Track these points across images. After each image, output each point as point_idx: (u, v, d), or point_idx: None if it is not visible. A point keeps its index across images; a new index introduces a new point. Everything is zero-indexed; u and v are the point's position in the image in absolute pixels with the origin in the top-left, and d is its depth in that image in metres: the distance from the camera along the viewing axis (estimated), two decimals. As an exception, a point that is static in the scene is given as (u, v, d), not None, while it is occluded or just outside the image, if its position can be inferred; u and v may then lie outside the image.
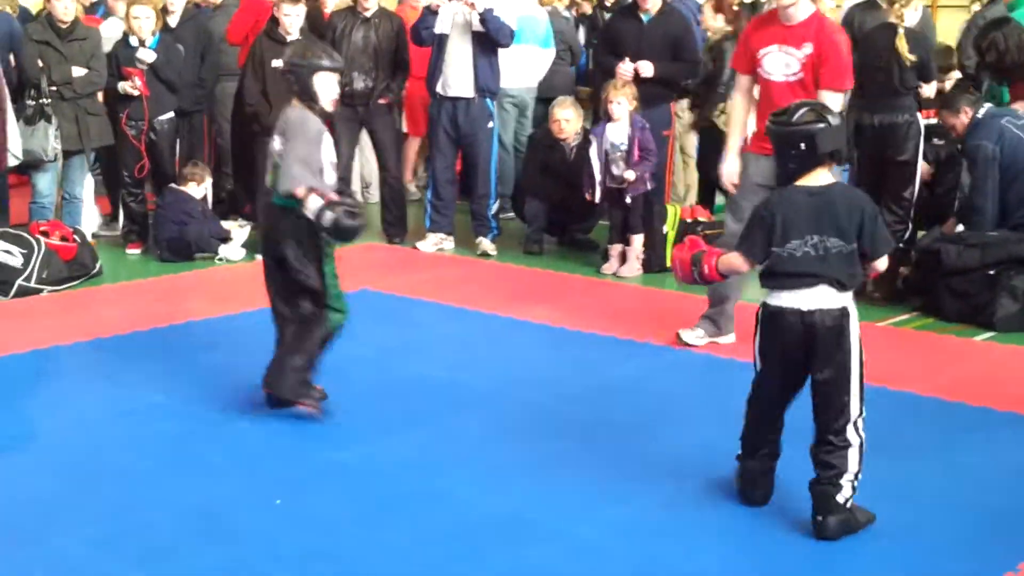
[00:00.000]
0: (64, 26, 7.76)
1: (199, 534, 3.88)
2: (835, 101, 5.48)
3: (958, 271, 6.53)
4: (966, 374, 5.68)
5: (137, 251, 8.15)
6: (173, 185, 8.10)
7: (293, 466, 4.46)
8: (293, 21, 7.97)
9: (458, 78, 8.11)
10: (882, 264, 3.94)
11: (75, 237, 7.41)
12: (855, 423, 3.82)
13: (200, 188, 8.15)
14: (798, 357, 3.86)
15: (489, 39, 8.03)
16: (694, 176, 9.12)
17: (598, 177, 7.62)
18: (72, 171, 7.98)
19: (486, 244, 8.30)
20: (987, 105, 6.95)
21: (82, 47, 7.82)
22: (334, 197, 4.75)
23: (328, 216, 4.67)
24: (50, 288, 7.09)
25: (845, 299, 3.83)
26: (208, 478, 4.34)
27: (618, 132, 7.58)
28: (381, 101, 8.44)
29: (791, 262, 3.81)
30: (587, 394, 5.32)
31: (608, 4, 16.77)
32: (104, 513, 4.03)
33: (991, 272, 6.48)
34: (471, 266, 8.00)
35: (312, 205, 4.68)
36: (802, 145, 3.83)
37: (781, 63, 5.59)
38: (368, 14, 8.37)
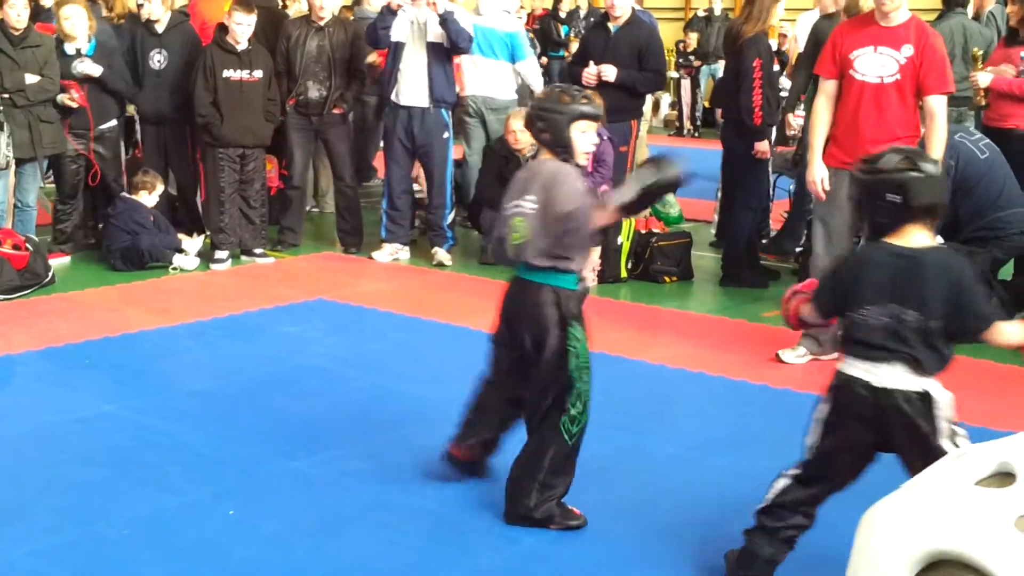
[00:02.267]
0: (17, 33, 7.69)
1: (150, 546, 3.85)
2: (941, 105, 5.61)
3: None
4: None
5: (62, 260, 8.05)
6: (125, 194, 8.05)
7: (246, 476, 4.44)
8: (244, 30, 7.96)
9: (413, 87, 8.11)
10: (1000, 337, 3.35)
11: (27, 246, 7.34)
12: None
13: (151, 197, 8.10)
14: (867, 437, 3.38)
15: (445, 49, 8.05)
16: None
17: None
18: (24, 179, 7.89)
19: (441, 254, 8.30)
20: None
21: (35, 54, 7.75)
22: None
23: (633, 189, 3.88)
24: (2, 297, 7.02)
25: (926, 382, 3.30)
26: (159, 489, 4.31)
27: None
28: (335, 111, 8.43)
29: (864, 330, 3.35)
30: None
31: (562, 15, 16.84)
32: (53, 524, 3.99)
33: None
34: (427, 276, 8.00)
35: (619, 198, 3.92)
36: (892, 197, 3.32)
37: (877, 64, 5.63)
38: (322, 23, 8.37)
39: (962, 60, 8.43)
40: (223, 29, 8.08)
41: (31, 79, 7.69)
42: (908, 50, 5.58)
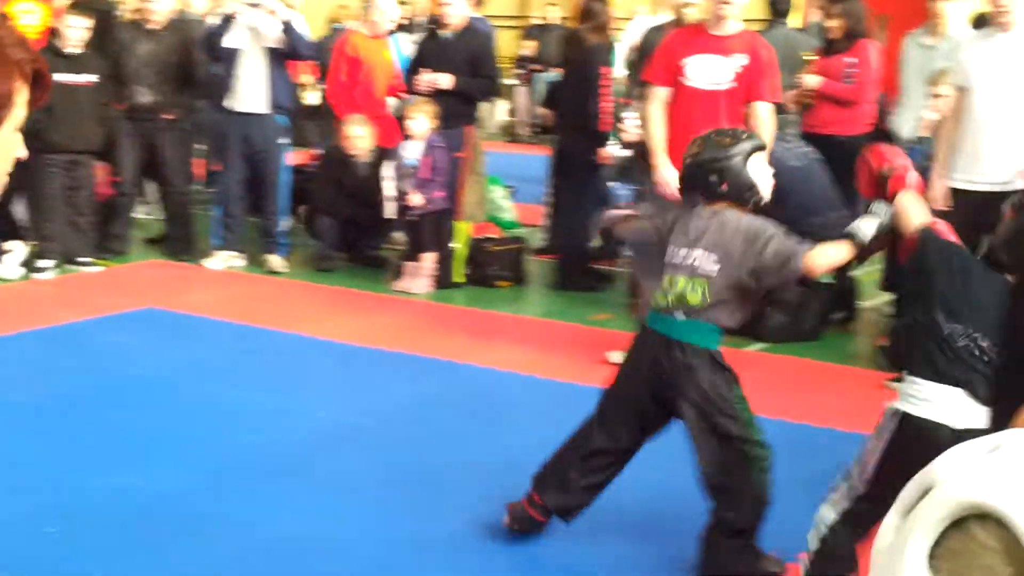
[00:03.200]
0: None
1: (-34, 565, 3.74)
2: (770, 113, 5.71)
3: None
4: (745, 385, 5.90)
5: None
6: None
7: (69, 492, 4.31)
8: (76, 33, 7.75)
9: (250, 93, 8.02)
10: None
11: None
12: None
13: None
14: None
15: (282, 54, 7.99)
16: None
17: (392, 194, 7.67)
18: None
19: (276, 261, 8.22)
20: None
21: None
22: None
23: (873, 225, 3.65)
24: None
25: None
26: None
27: (413, 150, 7.63)
28: (166, 116, 8.27)
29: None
30: (379, 411, 5.33)
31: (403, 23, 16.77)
32: None
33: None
34: (262, 284, 7.92)
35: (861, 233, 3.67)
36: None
37: (709, 72, 5.67)
38: (154, 27, 8.20)
39: (786, 70, 8.71)
40: (54, 32, 7.85)
41: None
42: (741, 59, 5.68)
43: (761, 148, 3.86)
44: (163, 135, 8.31)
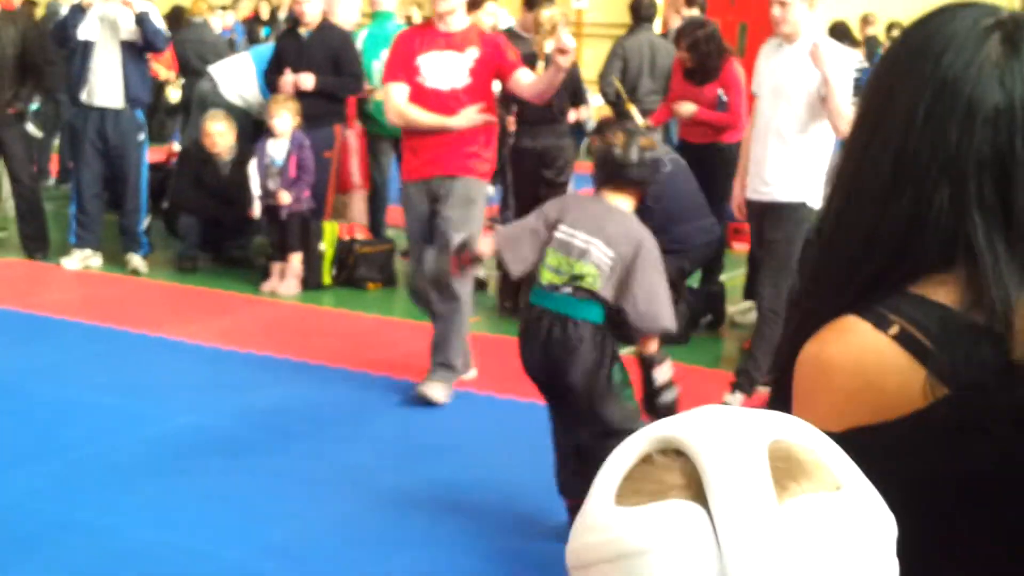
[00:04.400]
0: None
1: None
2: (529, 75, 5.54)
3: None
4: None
5: None
6: None
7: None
8: None
9: (106, 87, 7.77)
10: None
11: None
12: None
13: None
14: None
15: (139, 47, 7.76)
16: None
17: (257, 192, 7.50)
18: None
19: (136, 261, 7.98)
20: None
21: None
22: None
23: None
24: None
25: None
26: None
27: (278, 148, 7.49)
28: (10, 111, 7.95)
29: None
30: (245, 415, 5.20)
31: (263, 17, 16.55)
32: None
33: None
34: (121, 284, 7.67)
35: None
36: None
37: (445, 70, 5.40)
38: (-6, 18, 7.89)
39: (649, 75, 8.81)
40: None
41: None
42: (474, 52, 5.41)
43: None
44: (6, 129, 7.99)
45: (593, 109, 8.08)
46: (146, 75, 8.01)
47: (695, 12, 9.08)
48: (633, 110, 7.87)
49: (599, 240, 3.75)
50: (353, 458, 4.73)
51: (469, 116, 5.39)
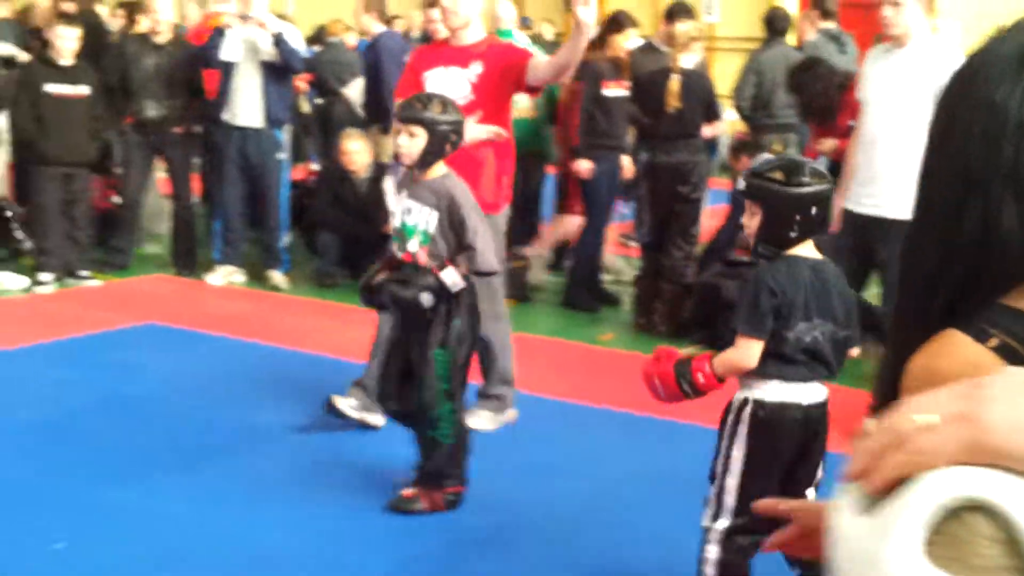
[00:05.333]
0: None
1: (-29, 584, 3.70)
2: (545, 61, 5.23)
3: (736, 304, 6.78)
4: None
5: None
6: None
7: (75, 508, 4.28)
8: (68, 44, 7.73)
9: (247, 107, 7.99)
10: (856, 351, 3.53)
11: None
12: None
13: None
14: (789, 460, 3.32)
15: (279, 68, 7.96)
16: None
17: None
18: None
19: (277, 277, 8.18)
20: (764, 155, 7.29)
21: None
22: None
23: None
24: None
25: (827, 389, 3.38)
26: (-19, 523, 4.13)
27: (411, 165, 7.60)
28: (175, 129, 8.25)
29: (797, 347, 3.24)
30: (383, 429, 5.28)
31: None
32: None
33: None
34: (263, 299, 7.87)
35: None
36: (813, 211, 3.23)
37: (448, 85, 5.13)
38: (159, 40, 8.18)
39: (784, 89, 8.72)
40: (45, 43, 7.83)
41: None
42: (477, 67, 5.16)
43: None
44: (170, 149, 8.29)
45: (726, 124, 8.02)
46: (286, 95, 8.21)
47: (830, 25, 8.96)
48: None
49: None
50: (488, 471, 4.77)
51: (472, 130, 5.00)
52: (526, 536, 4.21)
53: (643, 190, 7.42)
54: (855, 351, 3.48)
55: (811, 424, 3.30)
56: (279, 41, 7.80)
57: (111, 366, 6.10)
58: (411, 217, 4.31)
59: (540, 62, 5.16)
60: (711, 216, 8.61)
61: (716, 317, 6.88)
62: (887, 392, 1.33)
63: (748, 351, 3.26)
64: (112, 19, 9.81)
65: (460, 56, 5.20)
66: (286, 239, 8.34)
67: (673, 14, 7.92)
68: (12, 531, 4.07)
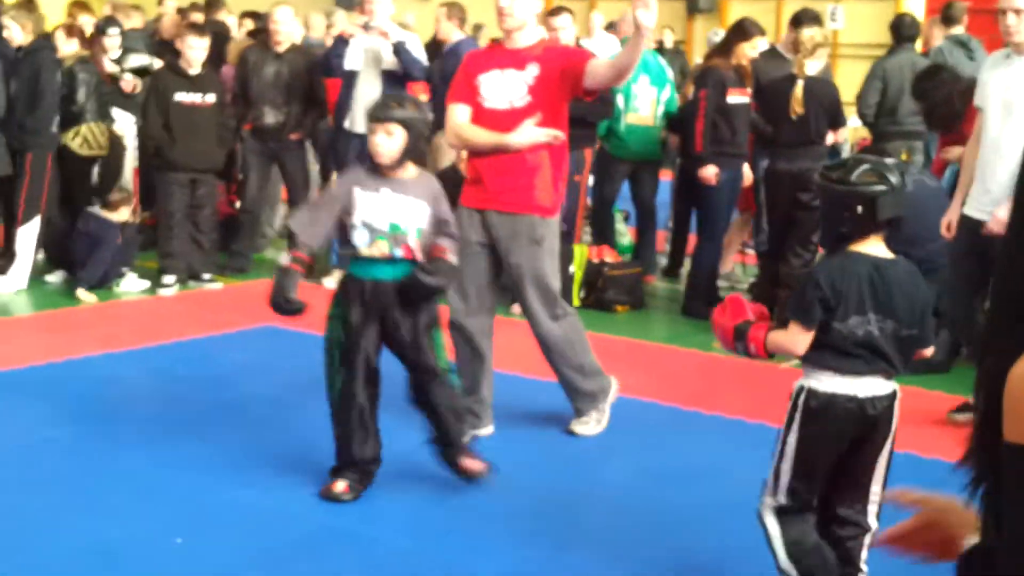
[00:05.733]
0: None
1: (95, 574, 3.77)
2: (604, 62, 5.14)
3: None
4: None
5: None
6: (93, 210, 7.93)
7: (193, 504, 4.37)
8: (197, 54, 7.92)
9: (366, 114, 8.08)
10: (929, 352, 3.56)
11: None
12: (877, 506, 3.49)
13: (122, 214, 7.96)
14: (843, 448, 3.43)
15: (399, 76, 8.05)
16: None
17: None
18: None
19: (393, 282, 8.25)
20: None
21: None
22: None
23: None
24: (-58, 321, 6.90)
25: (894, 384, 3.45)
26: (105, 517, 4.23)
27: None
28: (292, 137, 8.40)
29: (849, 341, 3.35)
30: (500, 433, 5.29)
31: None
32: (-5, 553, 3.90)
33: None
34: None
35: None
36: (859, 208, 3.34)
37: (504, 89, 5.07)
38: (280, 48, 8.34)
39: (911, 95, 8.53)
40: (176, 53, 8.04)
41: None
42: (534, 69, 5.05)
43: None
44: (288, 155, 8.44)
45: (849, 131, 7.88)
46: (405, 103, 8.29)
47: (958, 30, 8.75)
48: None
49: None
50: (602, 477, 4.75)
51: (529, 133, 4.98)
52: (646, 538, 4.17)
53: (762, 198, 7.32)
54: (928, 351, 3.52)
55: (869, 418, 3.37)
56: (400, 50, 7.89)
57: (230, 367, 6.23)
58: (400, 214, 4.40)
59: (599, 65, 5.04)
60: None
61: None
62: (988, 399, 1.34)
63: (795, 336, 3.40)
64: (239, 28, 10.03)
65: (516, 59, 5.10)
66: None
67: (799, 20, 7.82)
68: (132, 524, 4.17)
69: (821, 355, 3.38)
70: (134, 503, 4.37)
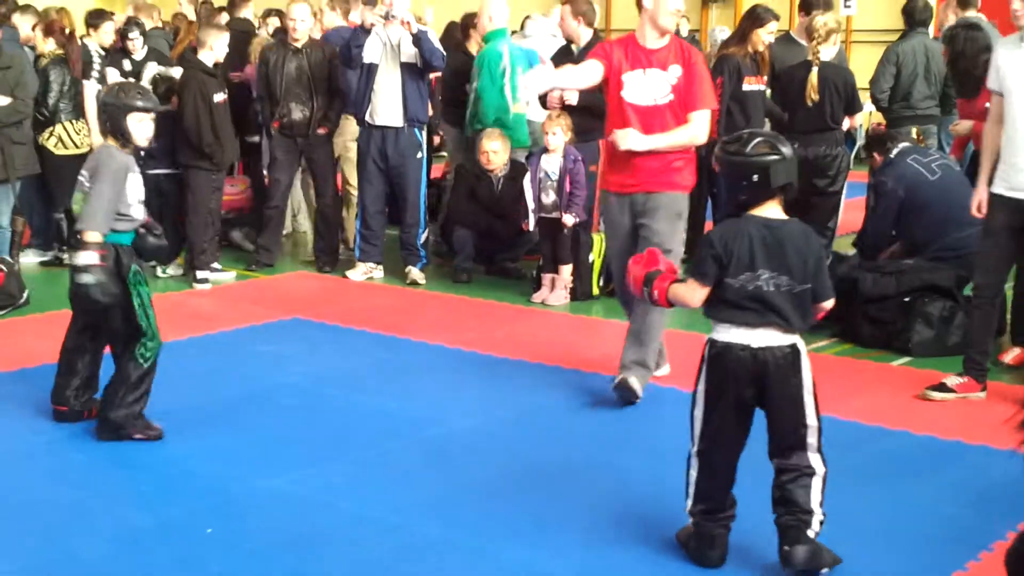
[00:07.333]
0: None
1: (126, 564, 3.87)
2: (701, 118, 5.56)
3: (874, 298, 6.72)
4: (883, 399, 5.83)
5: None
6: None
7: (223, 494, 4.47)
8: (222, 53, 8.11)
9: (387, 107, 8.18)
10: (828, 305, 3.83)
11: (1, 267, 7.35)
12: (817, 450, 3.74)
13: None
14: (748, 395, 3.72)
15: (418, 69, 8.12)
16: None
17: (531, 205, 7.74)
18: (-2, 201, 7.93)
19: (415, 273, 8.36)
20: (902, 145, 7.21)
21: (5, 76, 7.78)
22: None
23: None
24: (-25, 318, 7.03)
25: (794, 337, 3.72)
26: (135, 508, 4.34)
27: (552, 163, 7.70)
28: (320, 131, 8.49)
29: (741, 295, 3.68)
30: (518, 420, 5.39)
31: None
32: (29, 544, 4.01)
33: (906, 299, 6.67)
34: (401, 295, 8.06)
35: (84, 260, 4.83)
36: (755, 177, 3.68)
37: (648, 87, 5.52)
38: (299, 44, 8.43)
39: (924, 80, 8.58)
40: (195, 51, 8.17)
41: (2, 101, 7.72)
42: (676, 71, 5.52)
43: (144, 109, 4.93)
44: (315, 149, 8.53)
45: (864, 116, 7.94)
46: (425, 95, 8.38)
47: (972, 14, 8.77)
48: None
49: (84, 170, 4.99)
50: (624, 460, 4.84)
51: (639, 141, 5.49)
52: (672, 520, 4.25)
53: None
54: (827, 304, 3.81)
55: (764, 366, 3.67)
56: (421, 39, 7.96)
57: (259, 358, 6.34)
58: None
59: (695, 117, 5.55)
60: (850, 209, 8.52)
61: (853, 309, 6.85)
62: None
63: (692, 290, 3.78)
64: (262, 27, 10.11)
65: (657, 59, 5.53)
66: (424, 236, 8.53)
67: (810, 5, 7.86)
68: (164, 514, 4.28)
69: (719, 309, 3.73)
70: (164, 493, 4.48)
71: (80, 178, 4.98)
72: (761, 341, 3.68)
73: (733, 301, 3.69)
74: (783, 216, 3.76)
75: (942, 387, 5.77)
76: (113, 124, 4.95)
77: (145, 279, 5.06)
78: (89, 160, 5.03)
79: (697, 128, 5.56)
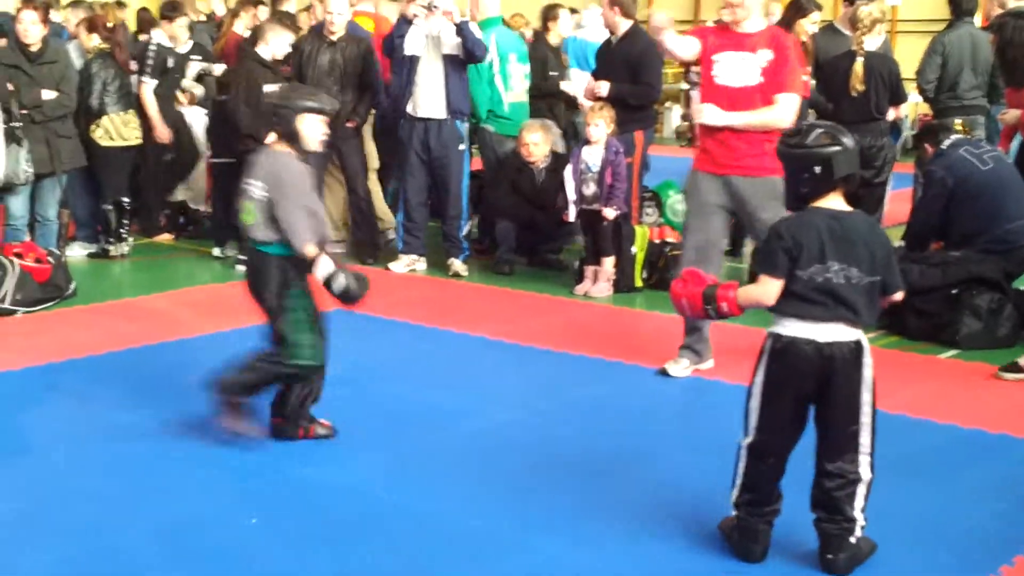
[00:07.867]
0: (33, 50, 7.79)
1: (171, 554, 3.90)
2: (788, 101, 5.57)
3: (921, 291, 6.64)
4: (931, 391, 5.77)
5: None
6: None
7: (266, 484, 4.49)
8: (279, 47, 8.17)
9: (429, 99, 8.18)
10: (899, 297, 3.80)
11: (49, 259, 7.42)
12: (868, 453, 3.70)
13: None
14: (809, 390, 3.67)
15: (460, 60, 8.12)
16: None
17: (572, 197, 7.72)
18: (44, 193, 8.00)
19: (457, 265, 8.36)
20: (954, 136, 7.12)
21: (51, 70, 7.85)
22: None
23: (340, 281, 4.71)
24: (24, 310, 7.08)
25: (859, 332, 3.67)
26: (179, 498, 4.36)
27: (593, 155, 7.67)
28: (348, 124, 8.49)
29: (810, 287, 3.61)
30: (559, 413, 5.37)
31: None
32: (73, 535, 4.03)
33: (953, 291, 6.60)
34: (443, 286, 8.06)
35: (324, 269, 4.68)
36: (817, 169, 3.64)
37: (739, 69, 5.60)
38: (334, 37, 8.43)
39: (971, 70, 8.47)
40: (257, 44, 8.24)
41: (48, 95, 7.79)
42: (767, 55, 5.58)
43: (319, 111, 4.77)
44: (345, 143, 8.53)
45: (910, 106, 7.85)
46: (467, 86, 8.36)
47: (1021, 3, 8.65)
48: None
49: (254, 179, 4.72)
50: (657, 450, 4.81)
51: (718, 115, 5.57)
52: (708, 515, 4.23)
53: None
54: (897, 296, 3.77)
55: (826, 359, 3.61)
56: (463, 29, 7.95)
57: (299, 350, 6.35)
58: None
59: (781, 99, 5.57)
60: (896, 200, 8.44)
61: (900, 302, 6.75)
62: None
63: (766, 287, 3.68)
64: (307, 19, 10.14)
65: (748, 42, 5.60)
66: (466, 228, 8.52)
67: (853, -4, 7.78)
68: (206, 506, 4.30)
69: (786, 303, 3.65)
70: (208, 484, 4.50)
71: (248, 186, 4.75)
72: (828, 336, 3.62)
73: (801, 294, 3.62)
74: (847, 208, 3.71)
75: (1015, 367, 5.71)
76: (284, 127, 4.75)
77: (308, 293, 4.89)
78: (257, 168, 4.76)
79: (781, 110, 5.56)
